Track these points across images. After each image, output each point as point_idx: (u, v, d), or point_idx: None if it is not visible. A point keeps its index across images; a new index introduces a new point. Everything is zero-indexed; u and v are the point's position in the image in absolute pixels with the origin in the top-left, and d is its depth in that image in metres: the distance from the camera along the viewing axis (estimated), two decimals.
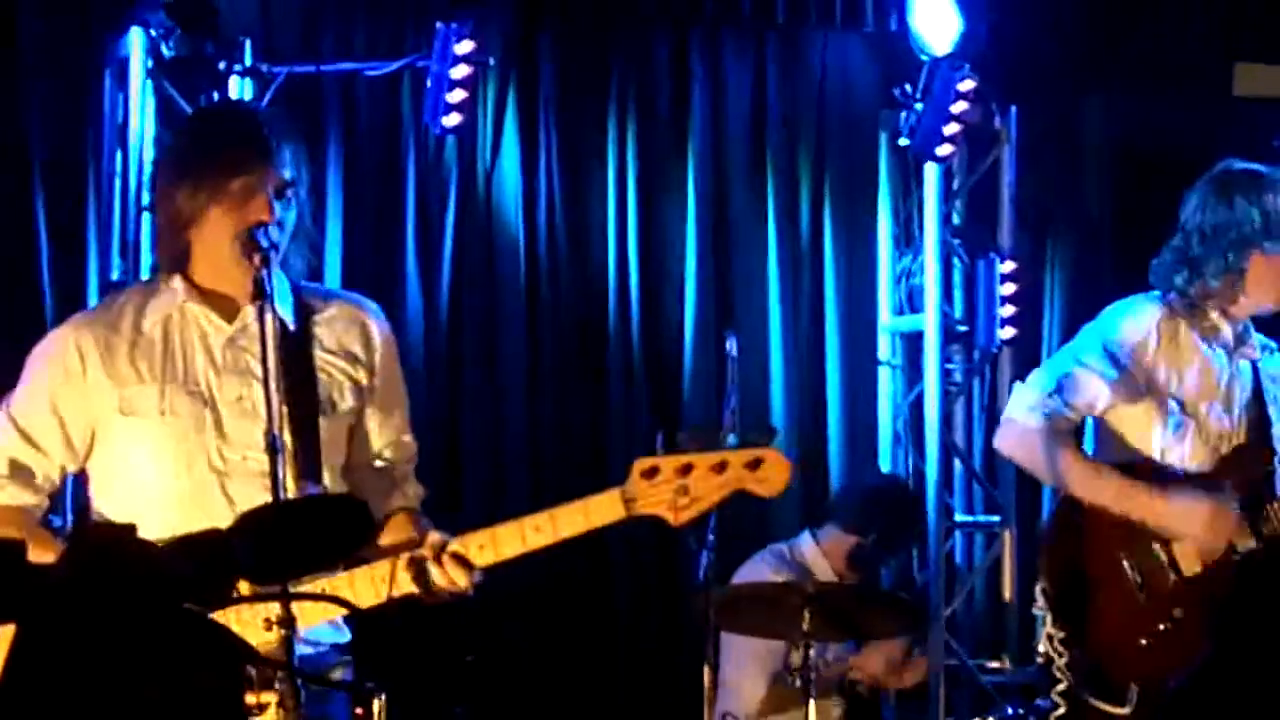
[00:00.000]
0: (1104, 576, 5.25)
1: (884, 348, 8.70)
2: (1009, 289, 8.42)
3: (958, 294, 8.57)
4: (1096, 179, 8.99)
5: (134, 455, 4.00)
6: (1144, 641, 5.17)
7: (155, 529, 2.89)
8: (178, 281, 4.07)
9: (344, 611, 3.83)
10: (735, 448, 3.87)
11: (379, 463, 4.19)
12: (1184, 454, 5.32)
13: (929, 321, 8.37)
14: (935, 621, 8.07)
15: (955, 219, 8.62)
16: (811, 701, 5.91)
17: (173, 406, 3.98)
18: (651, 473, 3.86)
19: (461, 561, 3.85)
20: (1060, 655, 5.29)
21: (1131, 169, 8.78)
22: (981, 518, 8.59)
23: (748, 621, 6.18)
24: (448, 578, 3.85)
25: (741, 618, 6.13)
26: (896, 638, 6.93)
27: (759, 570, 6.89)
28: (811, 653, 5.93)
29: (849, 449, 8.19)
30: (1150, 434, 5.35)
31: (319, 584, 3.78)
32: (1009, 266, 8.42)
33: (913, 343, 8.62)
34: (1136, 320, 5.38)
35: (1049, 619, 5.33)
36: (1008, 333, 8.40)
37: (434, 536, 3.90)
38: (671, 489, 3.84)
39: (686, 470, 3.86)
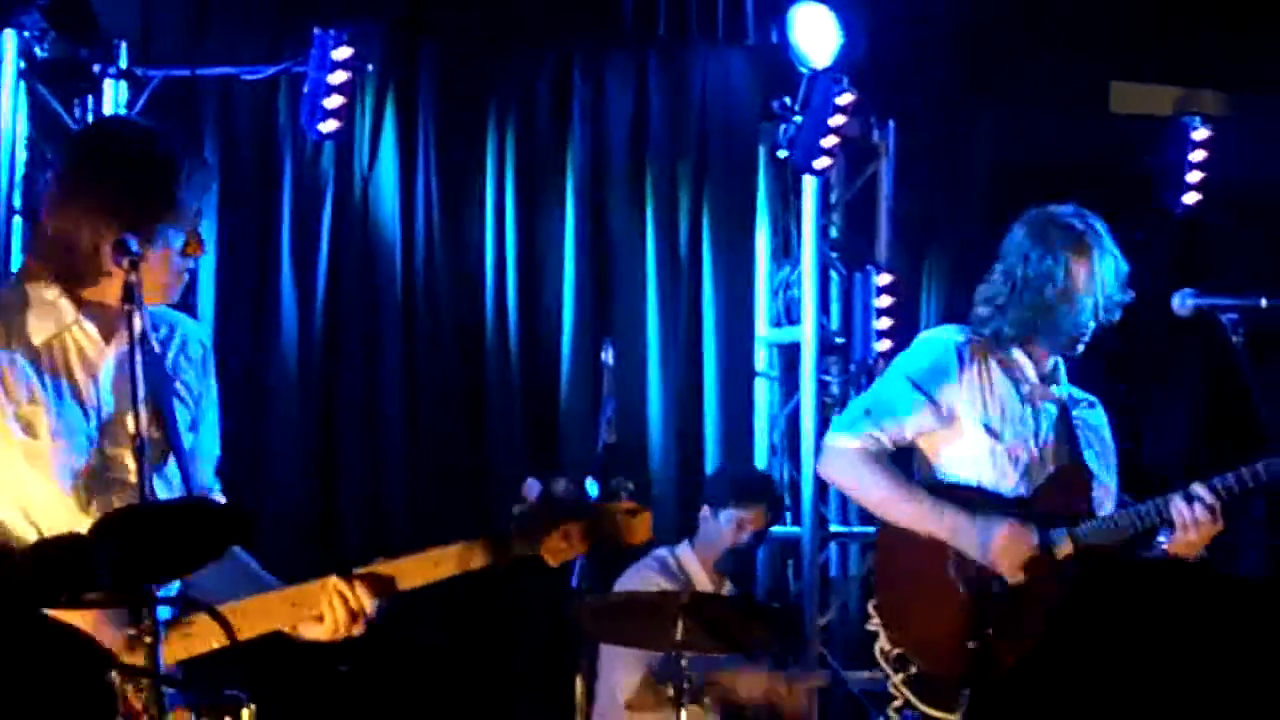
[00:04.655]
0: (930, 580, 5.36)
1: (761, 359, 8.74)
2: (886, 301, 8.48)
3: (835, 306, 8.63)
4: (974, 193, 9.06)
5: (19, 472, 3.92)
6: (971, 644, 5.24)
7: None
8: (61, 298, 4.00)
9: (223, 643, 3.80)
10: (608, 503, 4.11)
11: (207, 482, 4.20)
12: (995, 479, 5.42)
13: (806, 333, 8.42)
14: (810, 632, 8.10)
15: (833, 232, 8.68)
16: (684, 710, 5.93)
17: (62, 426, 3.94)
18: None
19: (375, 583, 3.92)
20: (896, 672, 5.38)
21: (1009, 184, 8.82)
22: (857, 528, 8.64)
23: (622, 630, 6.18)
24: (359, 602, 3.92)
25: (616, 626, 6.13)
26: (770, 669, 6.96)
27: (642, 576, 6.88)
28: (685, 664, 5.96)
29: (725, 459, 8.20)
30: (961, 459, 5.47)
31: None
32: (886, 279, 8.48)
33: (790, 354, 8.66)
34: (938, 351, 5.52)
35: (882, 635, 5.42)
36: (884, 345, 8.46)
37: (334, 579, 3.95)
38: (555, 535, 4.05)
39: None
